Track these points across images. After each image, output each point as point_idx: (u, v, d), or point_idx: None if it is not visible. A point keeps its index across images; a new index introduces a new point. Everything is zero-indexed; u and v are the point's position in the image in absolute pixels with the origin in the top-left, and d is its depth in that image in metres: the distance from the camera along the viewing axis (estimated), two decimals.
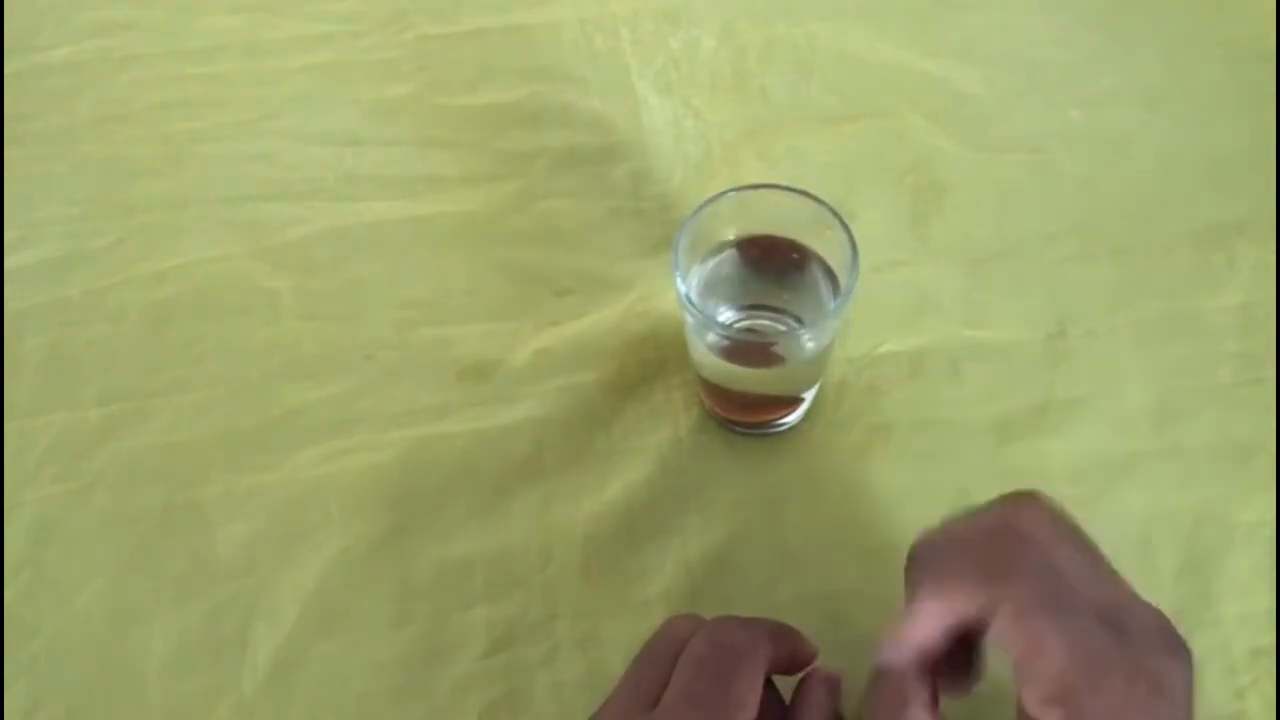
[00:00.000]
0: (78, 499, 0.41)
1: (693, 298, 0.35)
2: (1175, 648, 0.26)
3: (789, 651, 0.30)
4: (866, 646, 0.36)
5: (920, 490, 0.40)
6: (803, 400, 0.41)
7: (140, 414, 0.43)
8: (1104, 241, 0.46)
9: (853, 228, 0.34)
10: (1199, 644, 0.37)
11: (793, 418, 0.41)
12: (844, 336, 0.43)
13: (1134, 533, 0.39)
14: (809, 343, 0.36)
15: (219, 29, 0.54)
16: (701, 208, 0.35)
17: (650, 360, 0.43)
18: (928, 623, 0.27)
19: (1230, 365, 0.42)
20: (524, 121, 0.51)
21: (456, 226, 0.48)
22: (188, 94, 0.52)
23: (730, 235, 0.38)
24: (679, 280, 0.34)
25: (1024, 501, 0.28)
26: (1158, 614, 0.26)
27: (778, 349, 0.37)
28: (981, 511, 0.29)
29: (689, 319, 0.36)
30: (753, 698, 0.27)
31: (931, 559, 0.28)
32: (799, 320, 0.39)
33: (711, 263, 0.38)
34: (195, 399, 0.43)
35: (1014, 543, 0.27)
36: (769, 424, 0.41)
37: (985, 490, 0.40)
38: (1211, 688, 0.36)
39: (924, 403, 0.42)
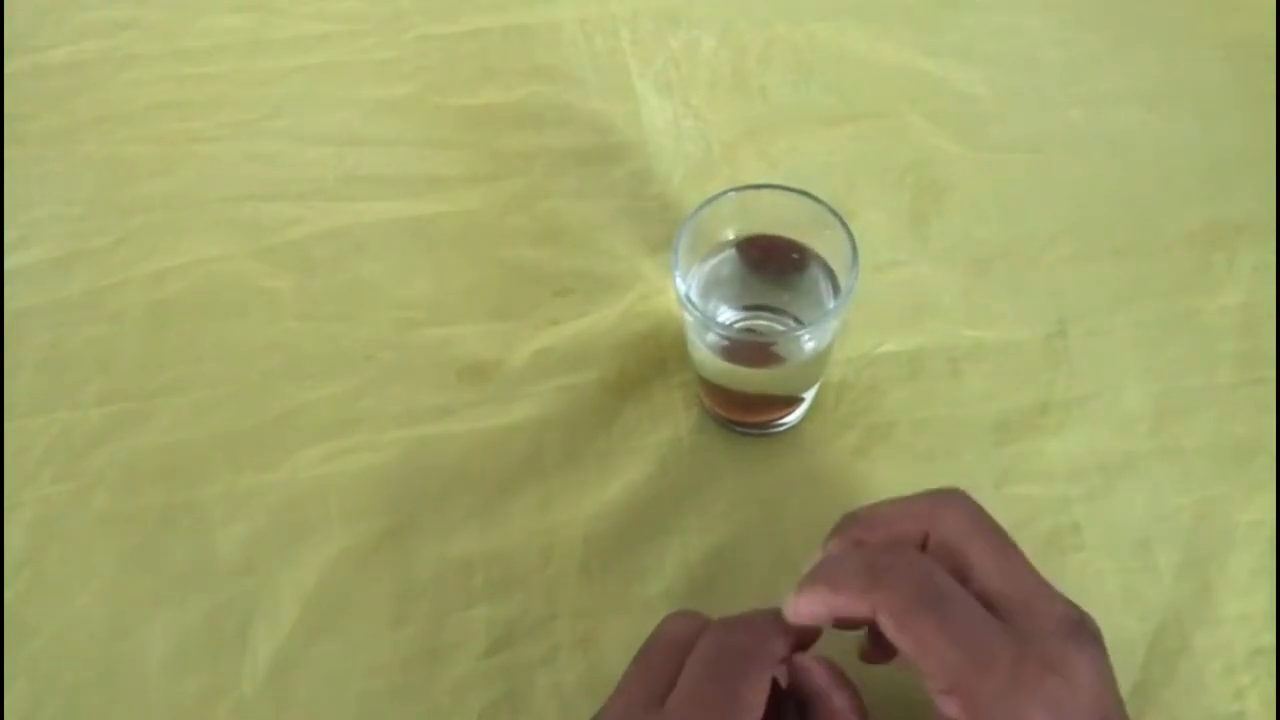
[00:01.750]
0: (78, 499, 0.41)
1: (693, 297, 0.35)
2: (1076, 633, 0.26)
3: (796, 640, 0.30)
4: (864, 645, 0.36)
5: (920, 490, 0.40)
6: (803, 400, 0.41)
7: (140, 414, 0.43)
8: (1104, 241, 0.46)
9: (852, 228, 0.34)
10: (1199, 644, 0.37)
11: (793, 418, 0.41)
12: (844, 336, 0.43)
13: (1134, 533, 0.39)
14: (809, 343, 0.36)
15: (219, 29, 0.54)
16: (701, 208, 0.35)
17: (650, 360, 0.43)
18: (815, 608, 0.28)
19: (1230, 365, 0.42)
20: (524, 121, 0.51)
21: (456, 226, 0.48)
22: (188, 94, 0.52)
23: (730, 235, 0.38)
24: (679, 280, 0.34)
25: (944, 498, 0.29)
26: (1066, 605, 0.27)
27: (777, 349, 0.37)
28: (904, 502, 0.30)
29: (689, 319, 0.36)
30: (759, 699, 0.27)
31: (831, 560, 0.29)
32: (799, 320, 0.39)
33: (711, 263, 0.38)
34: (195, 399, 0.43)
35: (899, 551, 0.28)
36: (769, 424, 0.41)
37: (985, 490, 0.40)
38: (1211, 687, 0.36)
39: (924, 402, 0.42)
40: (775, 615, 0.30)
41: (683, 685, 0.27)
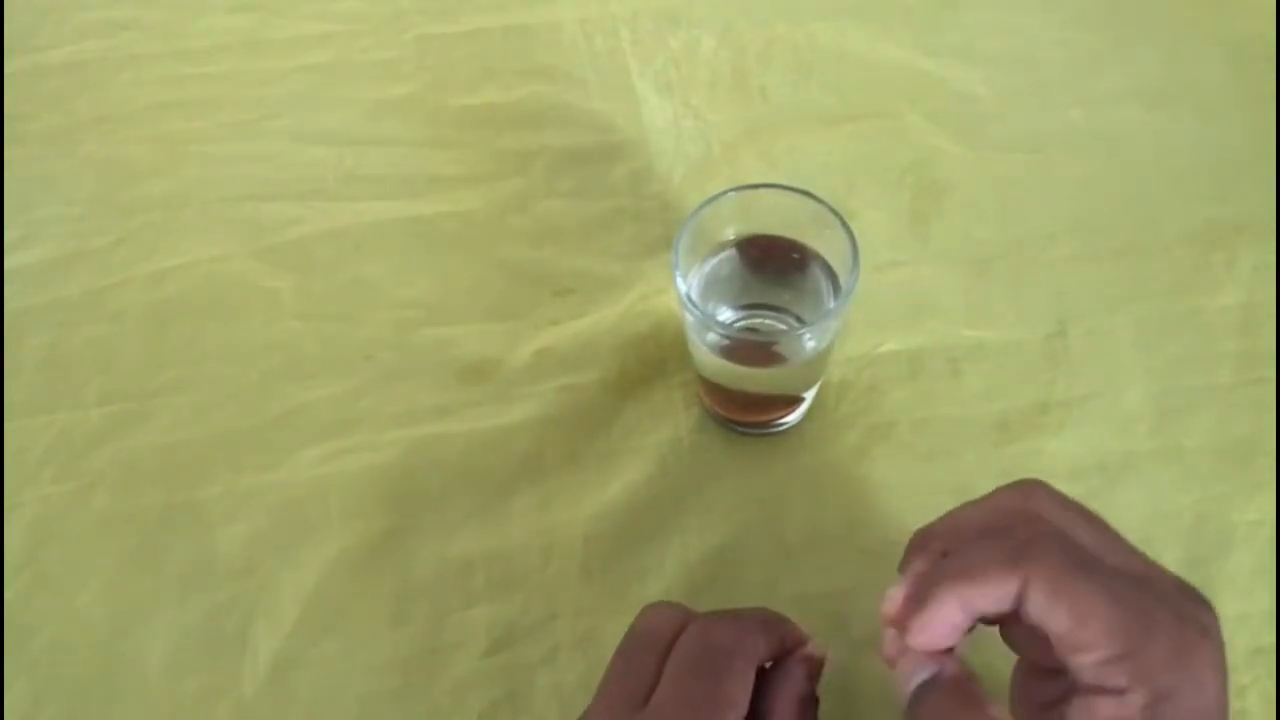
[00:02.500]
0: (78, 499, 0.41)
1: (693, 297, 0.35)
2: (1200, 599, 0.26)
3: (779, 641, 0.30)
4: (869, 645, 0.36)
5: (920, 490, 0.40)
6: (803, 400, 0.41)
7: (140, 414, 0.43)
8: (1104, 241, 0.46)
9: (852, 228, 0.34)
10: None
11: (793, 417, 0.41)
12: (844, 336, 0.43)
13: (1134, 532, 0.39)
14: (809, 342, 0.36)
15: (219, 29, 0.54)
16: (701, 208, 0.35)
17: (650, 360, 0.43)
18: (952, 613, 0.25)
19: (1230, 365, 0.42)
20: (524, 121, 0.51)
21: (456, 226, 0.48)
22: (188, 94, 0.52)
23: (730, 235, 0.38)
24: (679, 280, 0.34)
25: (1029, 486, 0.28)
26: (1173, 574, 0.27)
27: (778, 348, 0.37)
28: (986, 500, 0.29)
29: (689, 318, 0.36)
30: (743, 696, 0.27)
31: (947, 547, 0.28)
32: (799, 320, 0.39)
33: (712, 262, 0.38)
34: (195, 399, 0.43)
35: (1030, 522, 0.26)
36: (769, 424, 0.41)
37: (985, 489, 0.40)
38: None
39: (924, 402, 0.42)
40: (758, 612, 0.30)
41: (666, 684, 0.27)
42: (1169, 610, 0.24)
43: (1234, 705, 0.36)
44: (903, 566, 0.29)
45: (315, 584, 0.39)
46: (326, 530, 0.40)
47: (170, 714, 0.37)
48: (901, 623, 0.26)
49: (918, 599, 0.26)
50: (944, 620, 0.25)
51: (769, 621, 0.30)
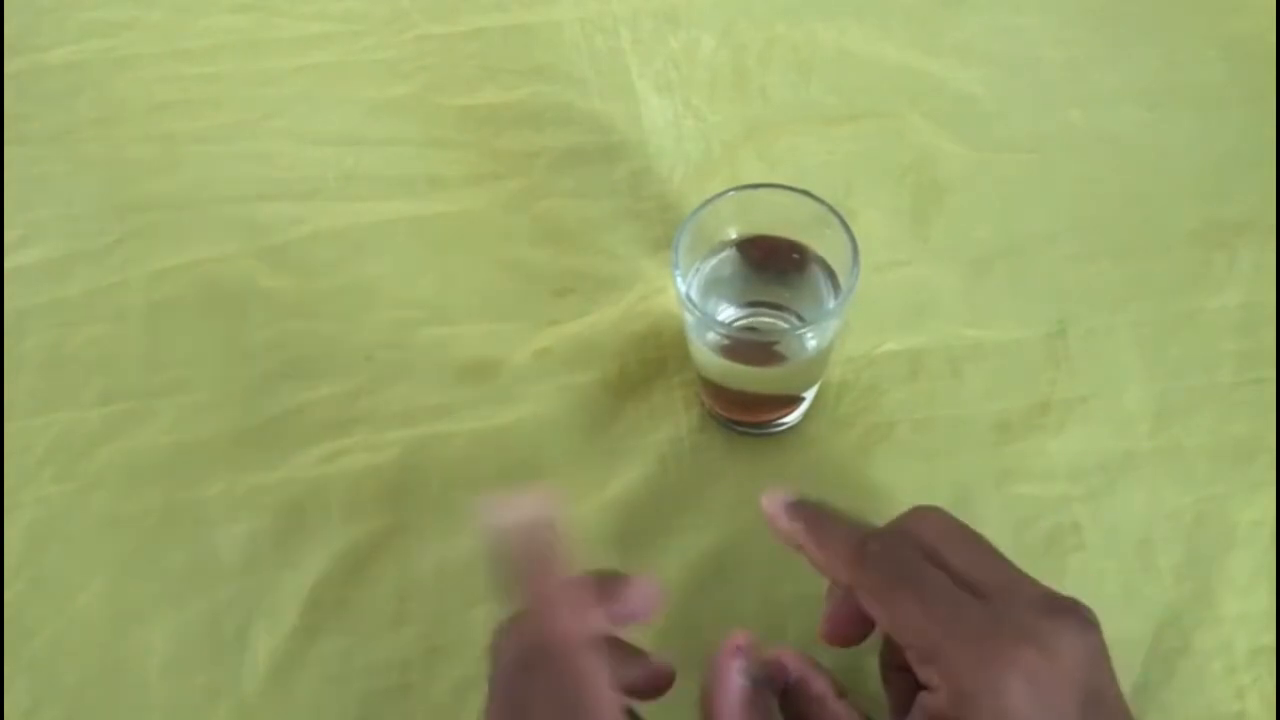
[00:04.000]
0: (78, 499, 0.41)
1: (693, 297, 0.35)
2: (1054, 610, 0.27)
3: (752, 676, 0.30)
4: (868, 645, 0.36)
5: (920, 489, 0.40)
6: (803, 400, 0.41)
7: (140, 414, 0.43)
8: (1104, 241, 0.46)
9: (852, 227, 0.34)
10: (1199, 643, 0.37)
11: (793, 417, 0.41)
12: (844, 336, 0.43)
13: (1134, 532, 0.39)
14: (810, 342, 0.36)
15: (219, 29, 0.54)
16: (701, 207, 0.35)
17: (650, 360, 0.43)
18: (789, 537, 0.32)
19: (1230, 365, 0.42)
20: (524, 121, 0.51)
21: (457, 226, 0.48)
22: (188, 94, 0.52)
23: (730, 235, 0.38)
24: (679, 279, 0.34)
25: (924, 509, 0.31)
26: (1048, 590, 0.28)
27: (778, 348, 0.37)
28: (894, 521, 0.31)
29: (689, 318, 0.36)
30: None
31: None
32: (799, 319, 0.39)
33: (712, 262, 0.38)
34: (195, 399, 0.43)
35: (890, 538, 0.29)
36: (769, 423, 0.41)
37: (985, 489, 0.40)
38: (1212, 687, 0.36)
39: (924, 402, 0.42)
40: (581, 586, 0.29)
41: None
42: (988, 615, 0.26)
43: (1234, 705, 0.36)
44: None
45: (315, 584, 0.39)
46: (326, 530, 0.40)
47: (170, 714, 0.37)
48: (769, 514, 0.32)
49: (792, 510, 0.31)
50: (784, 530, 0.32)
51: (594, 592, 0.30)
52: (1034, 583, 0.28)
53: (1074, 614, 0.27)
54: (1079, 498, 0.40)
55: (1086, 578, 0.38)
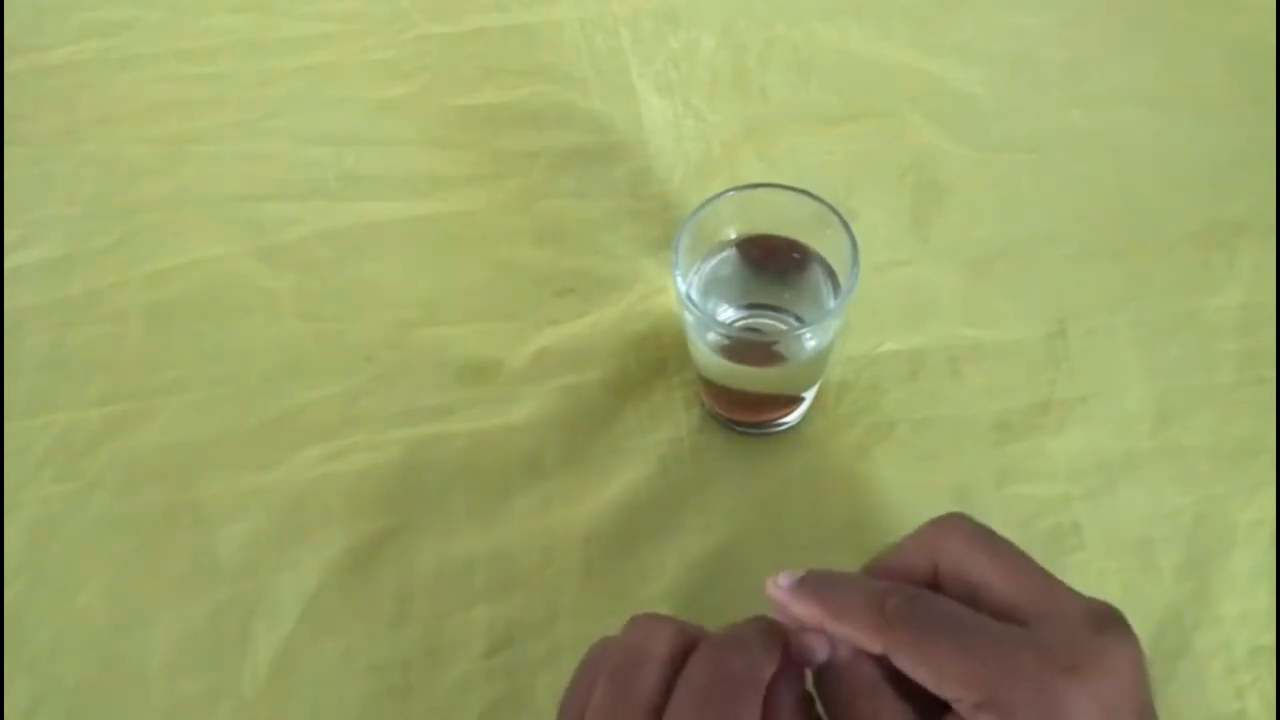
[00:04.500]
0: (78, 499, 0.41)
1: (693, 297, 0.35)
2: (1103, 625, 0.25)
3: (781, 657, 0.29)
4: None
5: (920, 489, 0.40)
6: (803, 400, 0.41)
7: (140, 414, 0.43)
8: (1104, 241, 0.46)
9: (852, 227, 0.34)
10: (1199, 643, 0.37)
11: (793, 417, 0.41)
12: (844, 336, 0.43)
13: (1134, 532, 0.39)
14: (809, 342, 0.36)
15: (219, 29, 0.54)
16: (701, 207, 0.35)
17: (650, 360, 0.43)
18: (806, 619, 0.28)
19: (1230, 365, 0.42)
20: (524, 121, 0.51)
21: (456, 226, 0.48)
22: (188, 94, 0.52)
23: (730, 235, 0.38)
24: (679, 279, 0.34)
25: (945, 524, 0.29)
26: (1089, 601, 0.26)
27: (778, 348, 0.37)
28: (904, 543, 0.30)
29: (689, 318, 0.36)
30: None
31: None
32: (799, 319, 0.38)
33: (712, 262, 0.38)
34: (195, 399, 0.43)
35: (909, 587, 0.27)
36: (769, 423, 0.41)
37: (985, 490, 0.40)
38: (1212, 686, 0.36)
39: (924, 402, 0.42)
40: (763, 633, 0.29)
41: (677, 711, 0.26)
42: (1036, 650, 0.25)
43: (1234, 705, 0.36)
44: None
45: (315, 584, 0.39)
46: (326, 530, 0.40)
47: (170, 714, 0.37)
48: (778, 601, 0.29)
49: (800, 589, 0.28)
50: (799, 615, 0.28)
51: (773, 635, 0.29)
52: (1070, 593, 0.26)
53: (1119, 626, 0.25)
54: (1079, 498, 0.40)
55: (1086, 578, 0.38)
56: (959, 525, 0.29)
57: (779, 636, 0.29)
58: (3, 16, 0.55)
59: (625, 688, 0.27)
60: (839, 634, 0.27)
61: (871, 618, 0.26)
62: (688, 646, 0.28)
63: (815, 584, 0.28)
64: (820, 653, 0.28)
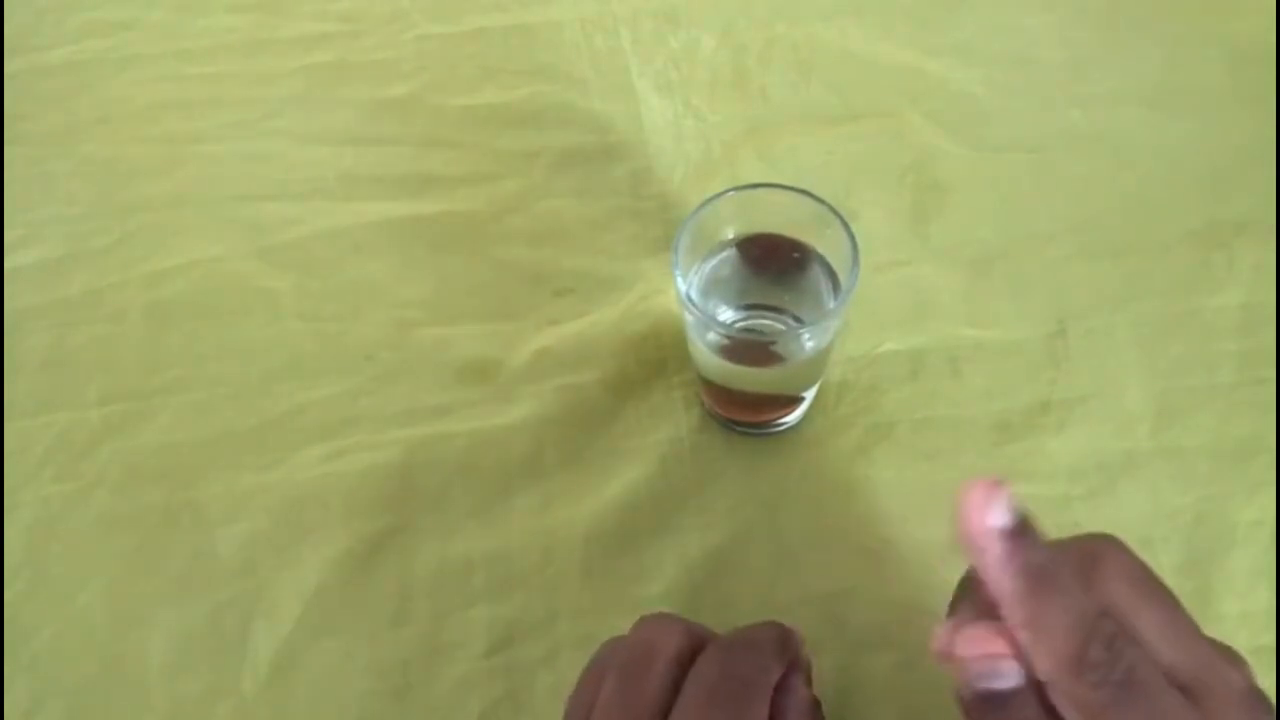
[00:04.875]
0: (78, 499, 0.41)
1: (693, 297, 0.35)
2: (1257, 709, 0.24)
3: (790, 660, 0.29)
4: (868, 645, 0.36)
5: (920, 490, 0.40)
6: (803, 400, 0.41)
7: (140, 414, 0.43)
8: (1104, 241, 0.46)
9: (852, 227, 0.34)
10: None
11: (793, 417, 0.41)
12: (844, 336, 0.43)
13: (1134, 532, 0.38)
14: (809, 342, 0.36)
15: (219, 29, 0.54)
16: (701, 207, 0.35)
17: (650, 360, 0.43)
18: (991, 648, 0.24)
19: (1230, 365, 0.42)
20: (524, 121, 0.51)
21: (456, 226, 0.48)
22: (188, 94, 0.52)
23: (730, 235, 0.38)
24: (679, 279, 0.34)
25: (1100, 552, 0.26)
26: (1240, 674, 0.24)
27: (778, 348, 0.37)
28: (1059, 554, 0.25)
29: (689, 318, 0.36)
30: None
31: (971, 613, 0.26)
32: (799, 319, 0.38)
33: (712, 262, 0.38)
34: (195, 399, 0.43)
35: (1116, 639, 0.24)
36: (769, 424, 0.41)
37: None
38: None
39: (924, 402, 0.42)
40: (772, 636, 0.29)
41: (685, 709, 0.26)
42: None
43: None
44: (950, 612, 0.28)
45: (315, 584, 0.39)
46: (326, 530, 0.40)
47: (170, 714, 0.37)
48: (946, 655, 0.25)
49: (1004, 547, 0.24)
50: (985, 651, 0.24)
51: (782, 640, 0.29)
52: (1224, 662, 0.25)
53: (1269, 710, 0.24)
54: (1079, 498, 0.40)
55: None
56: (1121, 560, 0.26)
57: (788, 640, 0.29)
58: (3, 16, 0.55)
59: (633, 685, 0.27)
60: (1016, 635, 0.24)
61: (1072, 650, 0.23)
62: (696, 647, 0.28)
63: (1034, 561, 0.24)
64: (1010, 678, 0.24)
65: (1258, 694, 0.24)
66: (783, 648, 0.29)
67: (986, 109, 0.50)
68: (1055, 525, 0.39)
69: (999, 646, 0.24)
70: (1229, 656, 0.25)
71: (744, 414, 0.41)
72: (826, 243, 0.36)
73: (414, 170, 0.49)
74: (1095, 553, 0.26)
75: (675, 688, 0.27)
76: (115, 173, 0.50)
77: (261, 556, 0.40)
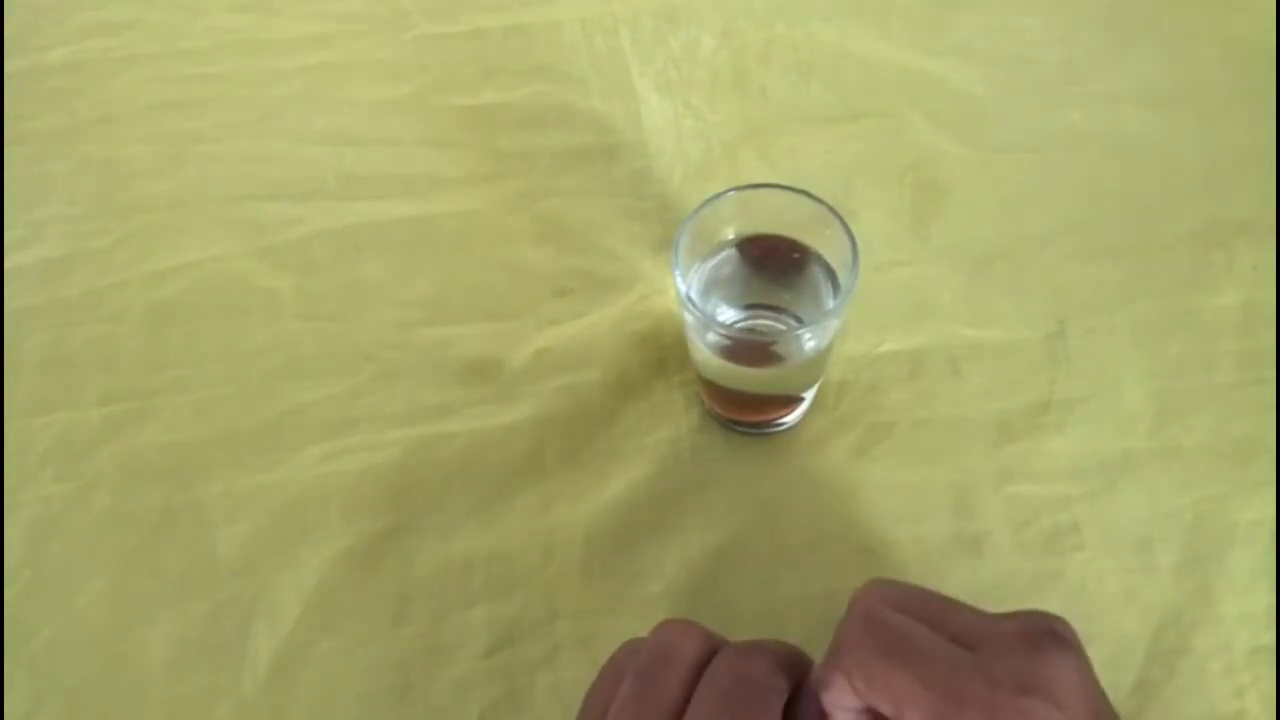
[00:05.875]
0: (78, 499, 0.41)
1: (693, 297, 0.35)
2: (1040, 645, 0.25)
3: (800, 678, 0.30)
4: None
5: (920, 489, 0.40)
6: (803, 400, 0.41)
7: (140, 414, 0.43)
8: (1104, 241, 0.46)
9: (852, 227, 0.34)
10: (1199, 643, 0.37)
11: (792, 417, 0.41)
12: (844, 336, 0.43)
13: (1134, 532, 0.39)
14: (809, 342, 0.36)
15: (219, 29, 0.54)
16: (701, 207, 0.35)
17: (650, 360, 0.43)
18: (841, 700, 0.27)
19: (1230, 365, 0.42)
20: (524, 121, 0.51)
21: (456, 226, 0.48)
22: (188, 94, 0.52)
23: (730, 235, 0.38)
24: (679, 279, 0.34)
25: (863, 590, 0.28)
26: (1023, 620, 0.26)
27: (777, 348, 0.37)
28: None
29: (689, 318, 0.36)
30: None
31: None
32: (799, 320, 0.39)
33: (712, 262, 0.38)
34: (195, 399, 0.43)
35: (853, 612, 0.27)
36: (769, 424, 0.41)
37: (985, 489, 0.40)
38: (1212, 686, 0.36)
39: (924, 402, 0.42)
40: (786, 647, 0.29)
41: (697, 713, 0.26)
42: (984, 678, 0.24)
43: (1234, 705, 0.36)
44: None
45: (315, 584, 0.39)
46: (326, 530, 0.40)
47: (170, 714, 0.37)
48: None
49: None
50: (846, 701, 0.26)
51: (795, 656, 0.29)
52: (998, 620, 0.26)
53: (1060, 643, 0.25)
54: (1079, 497, 0.40)
55: (1086, 578, 0.38)
56: (875, 585, 0.28)
57: (800, 656, 0.29)
58: (3, 16, 0.55)
59: (650, 686, 0.27)
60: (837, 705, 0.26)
61: (826, 657, 0.26)
62: (715, 652, 0.28)
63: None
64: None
65: (1041, 631, 0.25)
66: (795, 662, 0.29)
67: (986, 109, 0.50)
68: (1055, 525, 0.39)
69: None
70: (1008, 614, 0.26)
71: (744, 414, 0.41)
72: (826, 243, 0.36)
73: (414, 170, 0.49)
74: (860, 592, 0.27)
75: (691, 691, 0.27)
76: (115, 173, 0.50)
77: (261, 556, 0.40)
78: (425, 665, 0.38)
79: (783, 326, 0.39)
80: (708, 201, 0.35)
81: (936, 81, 0.51)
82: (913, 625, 0.26)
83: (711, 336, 0.36)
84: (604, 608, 0.38)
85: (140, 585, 0.40)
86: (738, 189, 0.36)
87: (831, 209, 0.35)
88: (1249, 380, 0.42)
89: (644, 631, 0.31)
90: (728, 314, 0.39)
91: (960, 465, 0.41)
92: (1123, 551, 0.39)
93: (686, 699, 0.27)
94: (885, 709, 0.25)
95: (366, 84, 0.52)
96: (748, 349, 0.37)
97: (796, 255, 0.37)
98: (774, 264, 0.39)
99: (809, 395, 0.41)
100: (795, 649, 0.30)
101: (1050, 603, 0.31)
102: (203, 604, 0.39)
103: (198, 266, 0.47)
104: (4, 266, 0.47)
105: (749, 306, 0.39)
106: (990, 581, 0.38)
